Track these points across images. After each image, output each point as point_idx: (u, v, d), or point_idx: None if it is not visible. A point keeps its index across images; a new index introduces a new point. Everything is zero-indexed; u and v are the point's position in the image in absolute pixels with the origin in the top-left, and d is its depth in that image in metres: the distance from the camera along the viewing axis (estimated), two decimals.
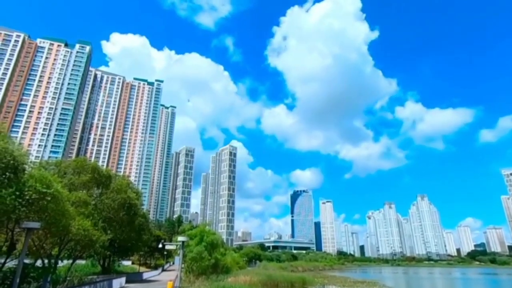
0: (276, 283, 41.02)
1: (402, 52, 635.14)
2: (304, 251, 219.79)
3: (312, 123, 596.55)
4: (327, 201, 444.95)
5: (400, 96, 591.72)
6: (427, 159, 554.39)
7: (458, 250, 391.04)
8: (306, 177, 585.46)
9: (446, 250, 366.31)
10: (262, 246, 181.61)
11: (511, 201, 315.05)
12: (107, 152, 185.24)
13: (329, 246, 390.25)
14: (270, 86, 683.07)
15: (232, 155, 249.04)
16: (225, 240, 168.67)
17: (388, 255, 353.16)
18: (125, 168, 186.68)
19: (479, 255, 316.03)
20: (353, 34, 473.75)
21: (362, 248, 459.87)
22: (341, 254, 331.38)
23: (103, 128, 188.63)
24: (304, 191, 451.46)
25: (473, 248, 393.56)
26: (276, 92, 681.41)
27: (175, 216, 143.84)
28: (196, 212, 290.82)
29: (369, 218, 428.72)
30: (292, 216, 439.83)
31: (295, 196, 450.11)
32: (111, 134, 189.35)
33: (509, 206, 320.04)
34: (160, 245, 47.36)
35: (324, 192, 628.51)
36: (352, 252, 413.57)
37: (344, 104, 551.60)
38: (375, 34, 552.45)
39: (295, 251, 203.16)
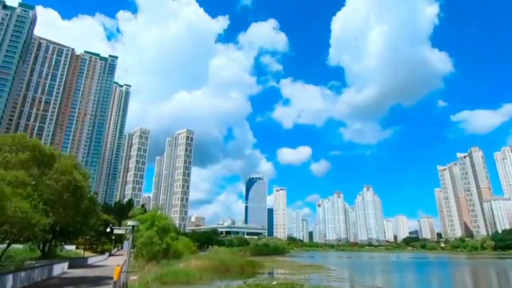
0: (227, 267, 41.75)
1: None
2: (256, 237, 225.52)
3: None
4: (281, 189, 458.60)
5: None
6: (382, 152, 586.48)
7: (395, 237, 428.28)
8: (265, 166, 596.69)
9: (385, 237, 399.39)
10: (215, 232, 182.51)
11: (443, 193, 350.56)
12: (51, 130, 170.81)
13: (280, 232, 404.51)
14: None
15: (189, 139, 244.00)
16: (177, 225, 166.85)
17: (334, 240, 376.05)
18: (71, 148, 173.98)
19: (412, 241, 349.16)
20: None
21: (311, 234, 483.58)
22: (291, 239, 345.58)
23: (47, 103, 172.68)
24: (259, 178, 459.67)
25: (408, 235, 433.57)
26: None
27: (126, 199, 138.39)
28: (149, 196, 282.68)
29: (319, 206, 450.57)
30: (246, 203, 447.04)
31: (250, 183, 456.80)
32: (56, 110, 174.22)
33: (440, 198, 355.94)
34: (108, 230, 45.47)
35: (280, 180, 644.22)
36: (301, 238, 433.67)
37: None
38: None
39: (247, 237, 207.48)
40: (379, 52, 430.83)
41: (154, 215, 44.28)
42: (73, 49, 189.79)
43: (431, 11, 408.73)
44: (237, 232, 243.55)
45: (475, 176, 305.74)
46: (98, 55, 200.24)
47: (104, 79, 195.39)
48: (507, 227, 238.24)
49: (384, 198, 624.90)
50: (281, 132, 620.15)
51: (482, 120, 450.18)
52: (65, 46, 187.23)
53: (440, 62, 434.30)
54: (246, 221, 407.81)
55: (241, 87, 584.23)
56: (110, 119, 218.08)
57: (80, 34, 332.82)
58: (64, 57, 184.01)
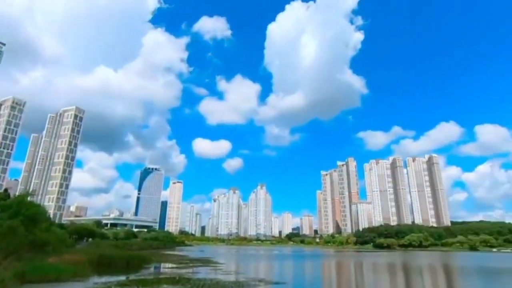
0: (108, 262, 38.48)
1: None
2: (145, 230, 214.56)
3: None
4: (178, 182, 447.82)
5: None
6: (287, 155, 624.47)
7: (280, 232, 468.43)
8: (178, 158, 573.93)
9: (271, 232, 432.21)
10: (98, 223, 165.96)
11: (323, 195, 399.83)
12: None
13: (173, 226, 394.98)
14: None
15: (78, 119, 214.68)
16: (52, 215, 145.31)
17: (225, 235, 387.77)
18: None
19: (294, 236, 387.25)
20: None
21: (203, 228, 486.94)
22: (182, 233, 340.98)
23: None
24: (156, 169, 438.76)
25: (291, 231, 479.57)
26: None
27: None
28: (16, 179, 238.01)
29: (215, 200, 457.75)
30: (139, 194, 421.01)
31: (145, 174, 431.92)
32: None
33: (320, 199, 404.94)
34: None
35: (191, 173, 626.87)
36: (193, 232, 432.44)
37: None
38: None
39: (136, 230, 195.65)
40: (306, 65, 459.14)
41: (22, 201, 37.59)
42: None
43: (357, 37, 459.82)
44: (125, 225, 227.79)
45: (349, 182, 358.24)
46: None
47: None
48: (366, 226, 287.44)
49: (276, 196, 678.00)
50: (204, 127, 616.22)
51: (377, 139, 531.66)
52: None
53: (358, 84, 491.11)
54: (136, 213, 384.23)
55: (172, 75, 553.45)
56: None
57: None
58: None
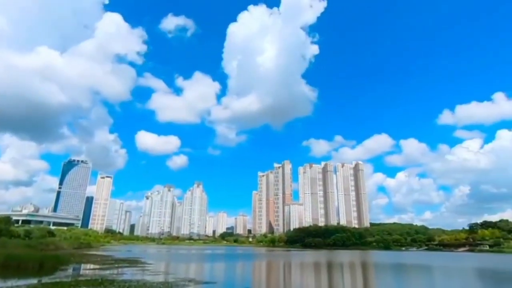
0: (17, 264, 34.14)
1: None
2: (65, 228, 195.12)
3: None
4: (107, 176, 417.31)
5: None
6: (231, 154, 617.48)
7: (214, 232, 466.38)
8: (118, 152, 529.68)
9: (205, 231, 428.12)
10: (7, 220, 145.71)
11: (258, 195, 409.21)
12: None
13: (98, 224, 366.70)
14: None
15: None
16: None
17: (156, 234, 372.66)
18: None
19: (227, 236, 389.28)
20: None
21: (133, 227, 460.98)
22: (109, 232, 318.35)
23: None
24: (82, 161, 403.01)
25: (225, 230, 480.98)
26: None
27: None
28: None
29: (147, 198, 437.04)
30: (60, 188, 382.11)
31: (69, 166, 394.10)
32: None
33: (256, 199, 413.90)
34: None
35: (132, 169, 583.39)
36: (121, 231, 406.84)
37: None
38: None
39: (54, 227, 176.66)
40: (263, 70, 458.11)
41: None
42: None
43: (313, 50, 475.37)
44: (41, 222, 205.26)
45: (283, 184, 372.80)
46: None
47: None
48: (297, 226, 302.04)
49: (215, 196, 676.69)
50: (153, 123, 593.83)
51: (320, 146, 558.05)
52: None
53: (310, 94, 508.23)
54: (55, 209, 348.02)
55: (126, 67, 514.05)
56: None
57: None
58: None
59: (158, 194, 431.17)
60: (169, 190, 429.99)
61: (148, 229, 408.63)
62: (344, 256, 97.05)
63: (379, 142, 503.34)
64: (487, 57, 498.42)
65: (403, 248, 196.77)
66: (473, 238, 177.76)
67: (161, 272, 37.56)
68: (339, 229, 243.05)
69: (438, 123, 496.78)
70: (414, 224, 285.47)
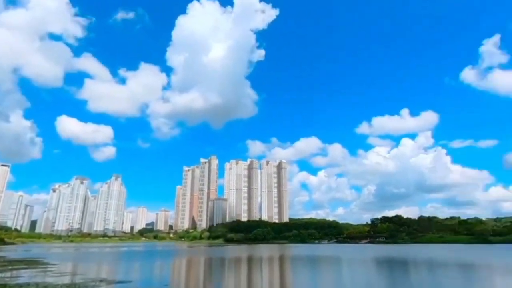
0: None
1: None
2: None
3: None
4: (3, 165, 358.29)
5: None
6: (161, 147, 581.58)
7: (132, 228, 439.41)
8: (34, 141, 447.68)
9: (122, 228, 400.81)
10: None
11: (182, 190, 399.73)
12: None
13: None
14: None
15: None
16: None
17: (64, 231, 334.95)
18: None
19: (147, 232, 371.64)
20: None
21: (34, 223, 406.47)
22: (2, 229, 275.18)
23: None
24: None
25: (144, 226, 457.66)
26: None
27: None
28: None
29: (54, 191, 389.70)
30: None
31: None
32: None
33: (180, 194, 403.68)
34: None
35: (44, 160, 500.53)
36: (19, 228, 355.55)
37: None
38: None
39: None
40: (209, 68, 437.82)
41: None
42: None
43: (259, 54, 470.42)
44: None
45: (209, 179, 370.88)
46: None
47: None
48: (221, 221, 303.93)
49: (136, 190, 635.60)
50: (84, 112, 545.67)
51: (256, 147, 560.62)
52: None
53: (253, 97, 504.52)
54: None
55: (62, 50, 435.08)
56: None
57: None
58: None
59: (68, 186, 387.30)
60: (81, 183, 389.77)
61: (53, 226, 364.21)
62: (264, 250, 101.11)
63: (309, 144, 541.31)
64: (397, 75, 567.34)
65: (316, 241, 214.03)
66: (374, 231, 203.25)
67: (67, 273, 33.84)
68: (261, 224, 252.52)
69: (357, 132, 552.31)
70: (328, 219, 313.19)
